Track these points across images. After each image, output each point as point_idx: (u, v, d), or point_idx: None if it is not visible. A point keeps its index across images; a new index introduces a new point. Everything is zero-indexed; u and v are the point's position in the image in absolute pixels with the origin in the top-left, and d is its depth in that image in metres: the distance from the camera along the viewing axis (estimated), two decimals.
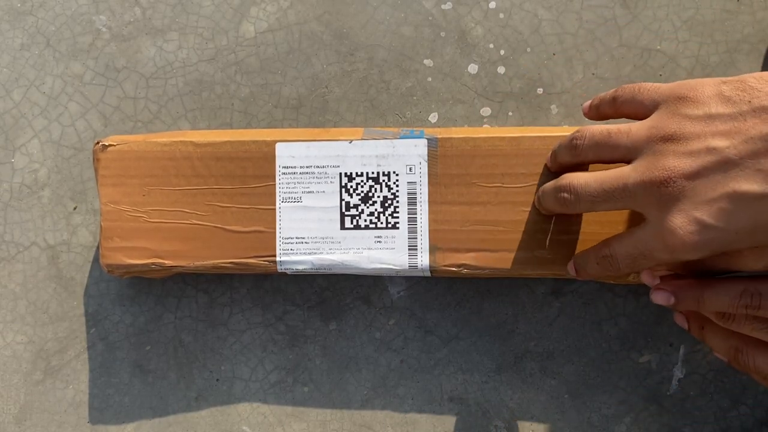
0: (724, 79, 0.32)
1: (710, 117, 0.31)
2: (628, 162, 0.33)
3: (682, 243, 0.31)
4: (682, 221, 0.30)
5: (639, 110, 0.34)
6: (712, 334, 0.35)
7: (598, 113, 0.37)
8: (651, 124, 0.33)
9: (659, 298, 0.34)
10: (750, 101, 0.30)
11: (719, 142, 0.30)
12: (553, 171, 0.38)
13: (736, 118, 0.30)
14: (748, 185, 0.29)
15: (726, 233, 0.30)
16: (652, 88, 0.34)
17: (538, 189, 0.39)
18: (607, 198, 0.33)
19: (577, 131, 0.35)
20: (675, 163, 0.31)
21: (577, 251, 0.39)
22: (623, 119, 0.36)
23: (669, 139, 0.31)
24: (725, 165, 0.30)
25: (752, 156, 0.29)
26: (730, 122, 0.30)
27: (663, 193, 0.31)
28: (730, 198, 0.30)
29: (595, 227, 0.39)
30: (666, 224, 0.31)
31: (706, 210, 0.30)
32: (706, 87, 0.32)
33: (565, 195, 0.35)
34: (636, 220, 0.38)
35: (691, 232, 0.30)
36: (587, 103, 0.38)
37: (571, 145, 0.36)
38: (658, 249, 0.32)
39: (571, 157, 0.36)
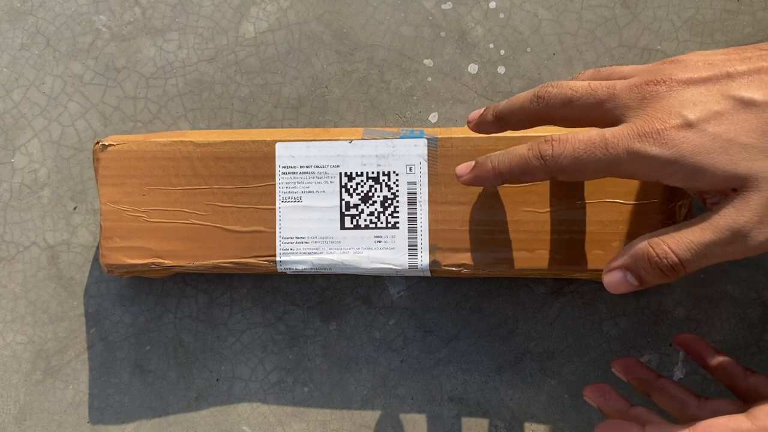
0: (709, 52, 0.31)
1: (696, 79, 0.29)
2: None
3: (657, 131, 0.29)
4: (663, 114, 0.29)
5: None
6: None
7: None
8: (637, 75, 0.31)
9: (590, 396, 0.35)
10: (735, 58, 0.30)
11: (716, 57, 0.29)
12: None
13: (727, 62, 0.29)
14: (748, 93, 0.28)
15: (706, 137, 0.28)
16: (629, 66, 0.33)
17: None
18: (589, 94, 0.31)
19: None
20: (668, 74, 0.30)
21: (577, 251, 0.39)
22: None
23: (658, 82, 0.30)
24: (723, 77, 0.29)
25: (751, 72, 0.29)
26: (723, 64, 0.29)
27: (648, 90, 0.29)
28: (724, 101, 0.28)
29: (597, 227, 0.39)
30: (645, 115, 0.29)
31: (692, 108, 0.29)
32: (691, 55, 0.31)
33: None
34: (645, 220, 0.38)
35: (672, 126, 0.28)
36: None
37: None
38: (629, 137, 0.29)
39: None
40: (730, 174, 0.28)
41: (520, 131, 0.36)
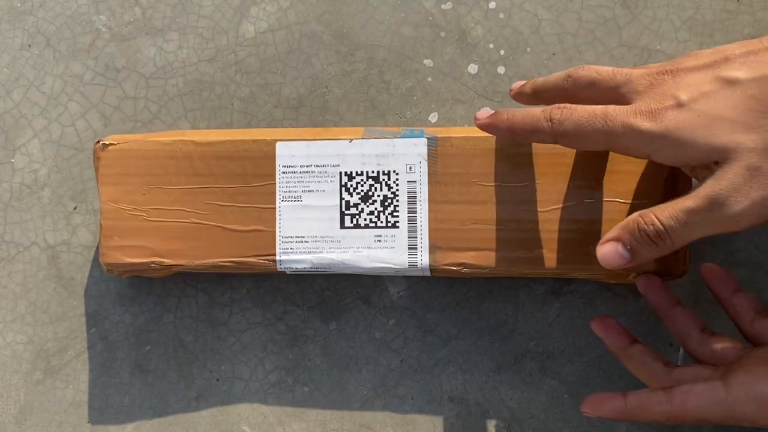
0: None
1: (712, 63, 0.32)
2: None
3: (652, 111, 0.31)
4: (663, 97, 0.32)
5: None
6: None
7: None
8: (653, 67, 0.33)
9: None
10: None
11: (724, 46, 0.32)
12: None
13: (729, 49, 0.32)
14: (735, 72, 0.31)
15: (692, 113, 0.31)
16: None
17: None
18: (610, 78, 0.33)
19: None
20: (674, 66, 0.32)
21: (577, 251, 0.39)
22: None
23: (670, 72, 0.32)
24: (722, 61, 0.31)
25: (746, 54, 0.31)
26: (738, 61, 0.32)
27: (656, 79, 0.32)
28: (714, 81, 0.31)
29: (597, 227, 0.39)
30: (648, 98, 0.32)
31: (685, 90, 0.31)
32: (701, 52, 0.33)
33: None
34: None
35: (665, 106, 0.31)
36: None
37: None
38: (627, 118, 0.32)
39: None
40: (711, 146, 0.30)
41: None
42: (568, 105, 0.33)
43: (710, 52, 0.32)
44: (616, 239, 0.33)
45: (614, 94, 0.33)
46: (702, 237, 0.32)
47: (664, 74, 0.32)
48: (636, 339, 0.38)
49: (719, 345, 0.36)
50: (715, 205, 0.30)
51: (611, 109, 0.32)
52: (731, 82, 0.31)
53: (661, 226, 0.31)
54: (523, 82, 0.38)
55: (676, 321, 0.38)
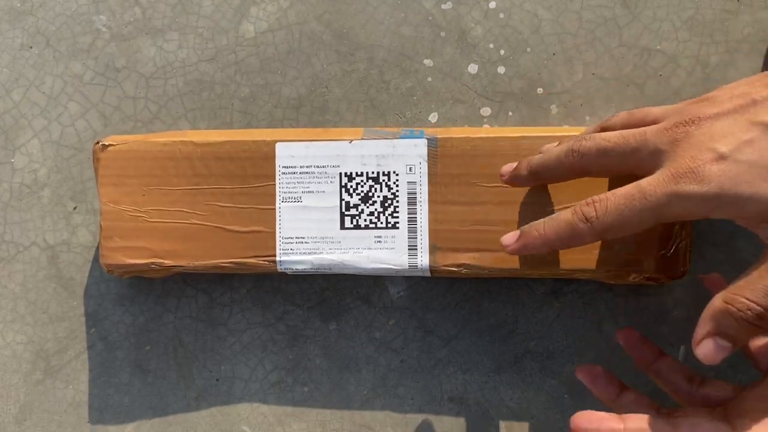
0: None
1: (728, 110, 0.30)
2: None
3: (692, 170, 0.29)
4: (696, 151, 0.29)
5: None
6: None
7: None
8: (666, 121, 0.31)
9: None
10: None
11: (740, 88, 0.30)
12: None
13: (751, 91, 0.29)
14: None
15: (739, 165, 0.28)
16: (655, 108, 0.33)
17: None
18: (623, 143, 0.31)
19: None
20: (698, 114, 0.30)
21: (577, 251, 0.38)
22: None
23: (690, 123, 0.30)
24: (751, 105, 0.29)
25: None
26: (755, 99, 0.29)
27: (678, 132, 0.30)
28: (752, 129, 0.28)
29: None
30: (678, 156, 0.29)
31: (723, 141, 0.29)
32: (718, 92, 0.31)
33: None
34: None
35: (705, 161, 0.29)
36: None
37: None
38: (665, 181, 0.29)
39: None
40: None
41: (534, 130, 0.38)
42: (596, 198, 0.31)
43: (728, 96, 0.30)
44: (712, 335, 0.29)
45: (633, 159, 0.31)
46: None
47: (684, 126, 0.30)
48: (625, 387, 0.36)
49: (711, 391, 0.34)
50: None
51: (645, 183, 0.30)
52: None
53: (759, 308, 0.28)
54: (513, 165, 0.36)
55: (660, 374, 0.36)
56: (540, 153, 0.36)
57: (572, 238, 0.32)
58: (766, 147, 0.28)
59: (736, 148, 0.28)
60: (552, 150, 0.34)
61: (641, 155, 0.31)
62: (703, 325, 0.30)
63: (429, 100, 0.44)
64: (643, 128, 0.31)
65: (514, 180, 0.36)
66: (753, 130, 0.28)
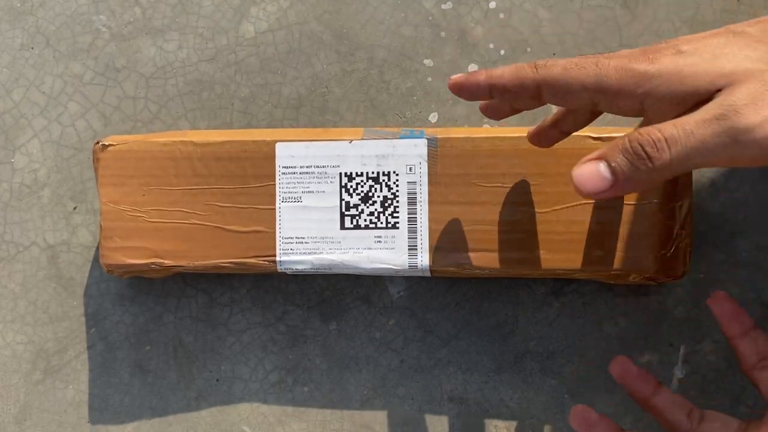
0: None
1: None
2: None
3: (648, 54, 0.29)
4: (663, 45, 0.29)
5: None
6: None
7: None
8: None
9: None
10: None
11: None
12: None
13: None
14: (743, 27, 0.29)
15: (694, 53, 0.28)
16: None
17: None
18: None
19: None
20: None
21: (577, 251, 0.39)
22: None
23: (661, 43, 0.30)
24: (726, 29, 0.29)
25: (757, 22, 0.29)
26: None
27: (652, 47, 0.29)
28: (721, 32, 0.29)
29: (597, 227, 0.39)
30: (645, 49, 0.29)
31: (686, 41, 0.29)
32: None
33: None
34: (645, 219, 0.38)
35: (666, 52, 0.28)
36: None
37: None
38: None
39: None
40: (717, 73, 0.27)
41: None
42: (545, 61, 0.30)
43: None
44: (599, 158, 0.28)
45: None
46: (704, 163, 0.27)
47: (657, 45, 0.29)
48: (659, 384, 0.35)
49: (712, 428, 0.33)
50: (728, 112, 0.26)
51: (603, 55, 0.29)
52: (738, 32, 0.28)
53: (659, 134, 0.27)
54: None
55: (659, 410, 0.35)
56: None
57: (517, 81, 0.30)
58: (723, 41, 0.28)
59: (696, 47, 0.28)
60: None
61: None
62: (598, 151, 0.29)
63: (429, 100, 0.44)
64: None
65: (466, 88, 0.33)
66: (718, 35, 0.29)
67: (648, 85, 0.28)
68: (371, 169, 0.40)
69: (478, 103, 0.44)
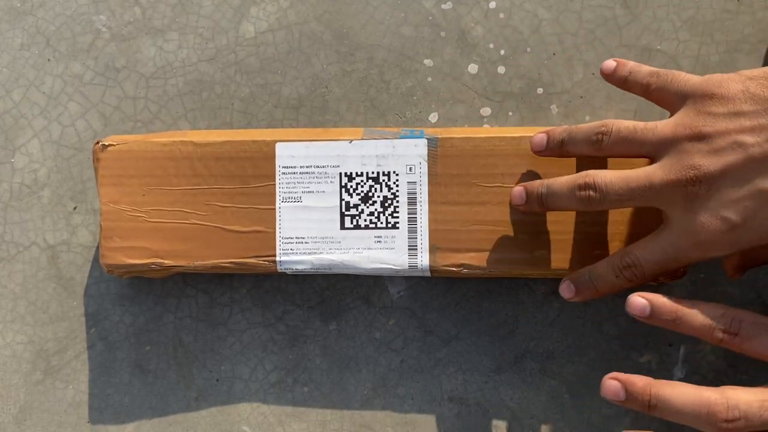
0: (750, 74, 0.32)
1: (736, 114, 0.32)
2: (652, 159, 0.34)
3: (711, 241, 0.32)
4: (709, 219, 0.32)
5: (667, 100, 0.35)
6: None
7: (625, 84, 0.37)
8: (677, 121, 0.33)
9: (635, 306, 0.34)
10: None
11: (745, 138, 0.31)
12: (546, 155, 0.38)
13: (761, 115, 0.31)
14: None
15: (753, 231, 0.31)
16: (683, 80, 0.34)
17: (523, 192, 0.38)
18: (632, 197, 0.34)
19: (602, 125, 0.35)
20: (701, 161, 0.32)
21: (577, 252, 0.39)
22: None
23: (695, 137, 0.32)
24: (750, 163, 0.31)
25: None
26: (756, 119, 0.31)
27: (689, 192, 0.32)
28: (754, 197, 0.31)
29: (597, 227, 0.39)
30: (695, 223, 0.32)
31: (732, 208, 0.31)
32: (732, 83, 0.32)
33: (591, 193, 0.34)
34: (644, 219, 0.38)
35: (720, 230, 0.31)
36: (611, 66, 0.37)
37: (596, 138, 0.35)
38: (689, 248, 0.33)
39: (592, 150, 0.36)
40: None
41: (534, 130, 0.39)
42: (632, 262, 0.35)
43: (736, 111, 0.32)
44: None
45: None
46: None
47: (693, 185, 0.32)
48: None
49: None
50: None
51: (672, 248, 0.34)
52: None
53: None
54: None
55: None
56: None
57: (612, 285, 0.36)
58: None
59: (744, 219, 0.31)
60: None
61: (644, 199, 0.34)
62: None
63: (429, 100, 0.44)
64: (646, 169, 0.34)
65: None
66: (757, 197, 0.31)
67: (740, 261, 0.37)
68: (371, 169, 0.40)
69: (477, 104, 0.44)
